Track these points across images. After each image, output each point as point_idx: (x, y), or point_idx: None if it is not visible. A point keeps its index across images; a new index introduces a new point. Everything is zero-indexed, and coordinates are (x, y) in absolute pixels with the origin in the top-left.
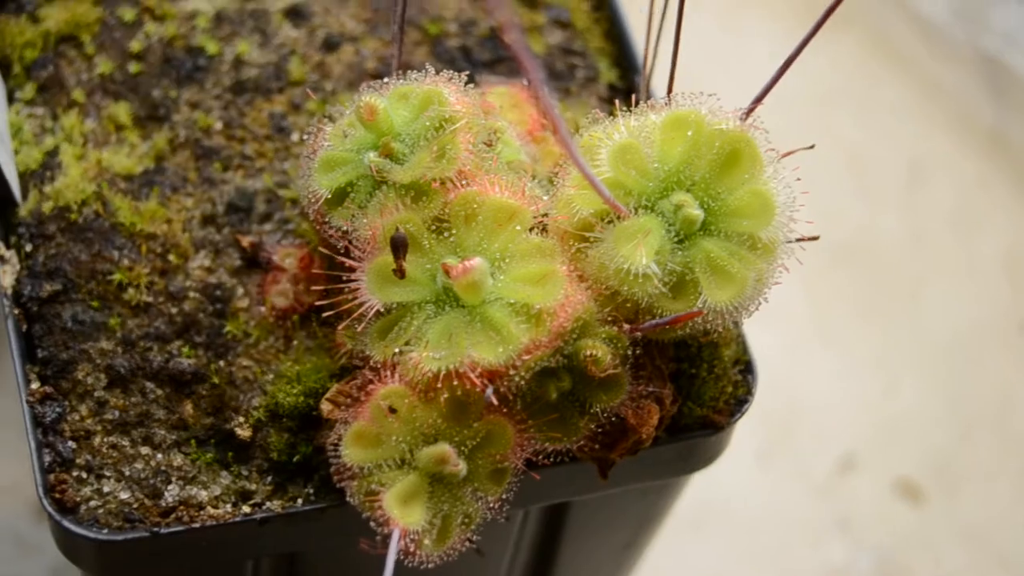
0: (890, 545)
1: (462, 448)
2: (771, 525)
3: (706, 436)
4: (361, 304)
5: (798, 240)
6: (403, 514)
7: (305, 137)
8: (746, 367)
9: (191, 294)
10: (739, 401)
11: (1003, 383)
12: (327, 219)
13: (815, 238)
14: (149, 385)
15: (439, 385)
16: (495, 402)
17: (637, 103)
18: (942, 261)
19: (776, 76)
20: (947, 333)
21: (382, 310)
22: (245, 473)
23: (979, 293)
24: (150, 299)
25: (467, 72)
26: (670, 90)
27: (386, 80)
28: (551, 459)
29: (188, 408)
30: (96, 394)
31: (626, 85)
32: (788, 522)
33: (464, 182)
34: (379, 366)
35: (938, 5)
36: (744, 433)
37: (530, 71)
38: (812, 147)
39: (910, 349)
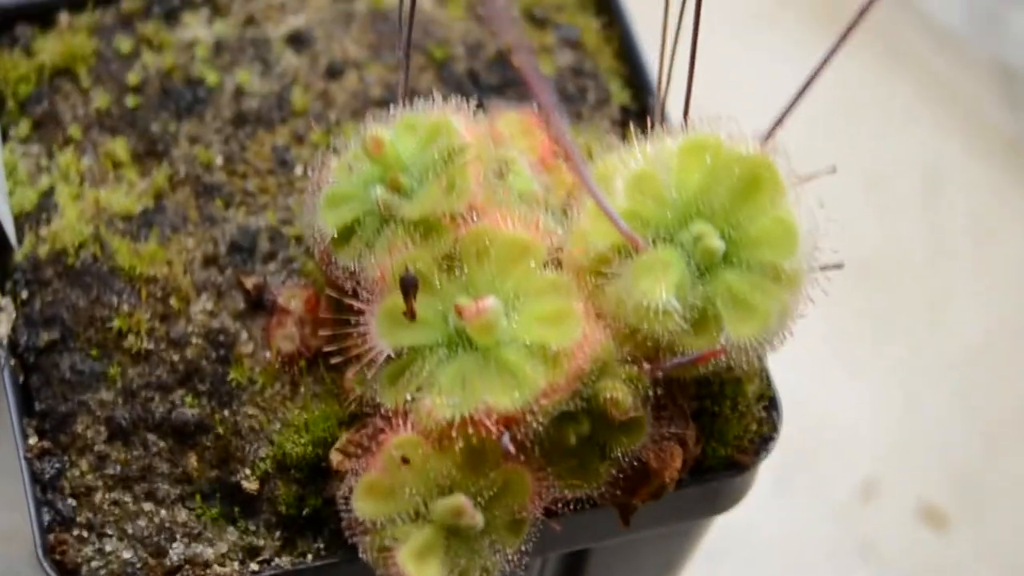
0: (915, 572)
1: (479, 499)
2: (792, 553)
3: (731, 477)
4: (370, 348)
5: (822, 268)
6: (419, 571)
7: (309, 171)
8: (770, 403)
9: (193, 340)
10: (764, 439)
11: None
12: (333, 258)
13: (839, 266)
14: (151, 437)
15: (453, 433)
16: (512, 450)
17: (652, 127)
18: (961, 274)
19: (795, 98)
20: (968, 348)
21: (392, 354)
22: (252, 528)
23: (1000, 305)
24: (151, 346)
25: (475, 97)
26: (686, 113)
27: (392, 109)
28: (570, 506)
29: (192, 460)
30: (96, 448)
31: (639, 106)
32: (809, 550)
33: (475, 216)
34: (390, 413)
35: (953, 13)
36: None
37: (541, 96)
38: (833, 170)
39: (931, 367)
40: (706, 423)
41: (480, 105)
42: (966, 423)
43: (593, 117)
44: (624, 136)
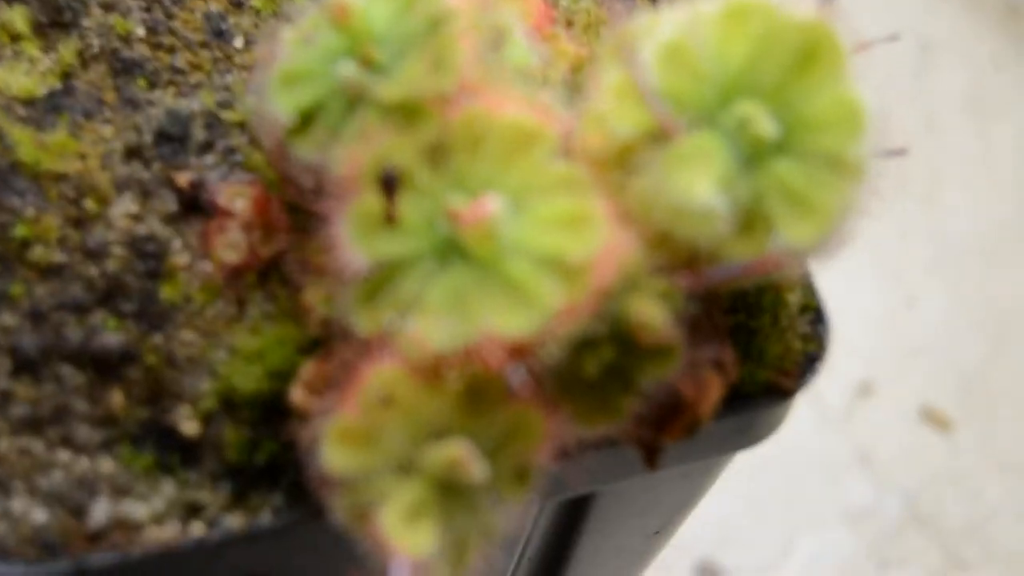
0: (918, 481)
1: (480, 445)
2: (786, 463)
3: (771, 405)
4: (339, 259)
5: (885, 154)
6: (409, 536)
7: (251, 44)
8: (816, 315)
9: (115, 250)
10: (809, 359)
11: None
12: (289, 150)
13: (903, 151)
14: (66, 369)
15: (449, 366)
16: (521, 384)
17: None
18: (958, 152)
19: None
20: (968, 233)
21: (367, 267)
22: (194, 479)
23: (999, 185)
24: (63, 258)
25: None
26: None
27: None
28: (583, 446)
29: (117, 397)
30: None
31: None
32: (805, 459)
33: (467, 97)
34: (366, 341)
35: None
36: None
37: None
38: (896, 38)
39: (928, 254)
40: (741, 340)
41: None
42: (965, 318)
43: None
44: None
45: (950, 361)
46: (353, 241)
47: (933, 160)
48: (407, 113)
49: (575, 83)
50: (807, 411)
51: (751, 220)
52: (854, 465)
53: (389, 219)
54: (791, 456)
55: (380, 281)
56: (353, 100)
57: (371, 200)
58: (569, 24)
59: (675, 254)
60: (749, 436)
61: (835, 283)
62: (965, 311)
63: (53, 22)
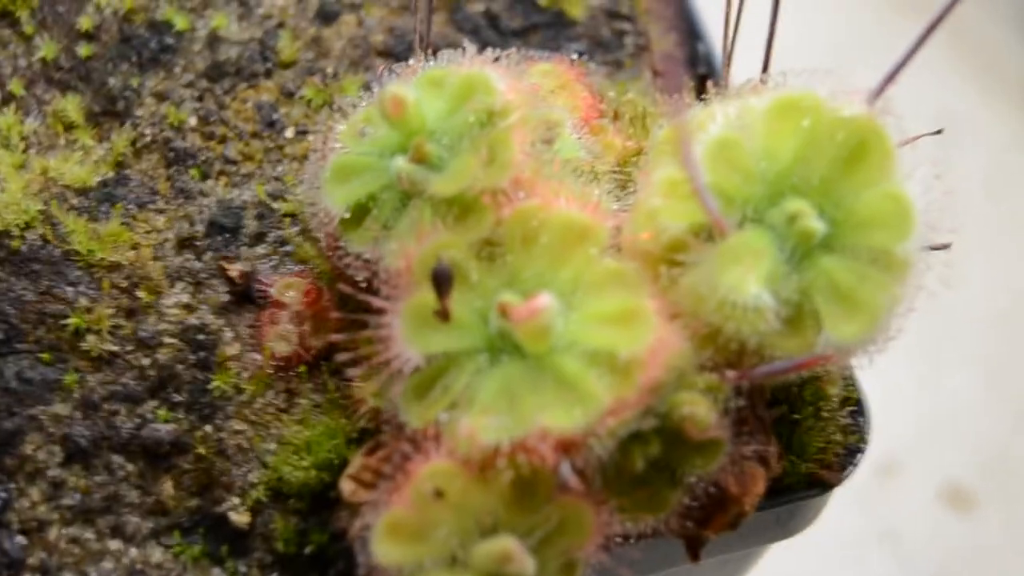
0: (941, 559)
1: (528, 540)
2: (809, 543)
3: (811, 497)
4: (393, 355)
5: (932, 249)
6: None
7: (302, 134)
8: (856, 407)
9: (167, 340)
10: (850, 451)
11: None
12: (342, 243)
13: (946, 246)
14: (117, 459)
15: (500, 461)
16: (571, 481)
17: (717, 82)
18: (978, 230)
19: (912, 48)
20: (989, 312)
21: (420, 362)
22: (243, 570)
23: (1021, 261)
24: (115, 348)
25: (495, 44)
26: (766, 66)
27: (410, 62)
28: (628, 539)
29: (168, 487)
30: (51, 473)
31: (686, 54)
32: (826, 537)
33: (521, 193)
34: (417, 435)
35: None
36: None
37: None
38: (940, 132)
39: (950, 332)
40: (784, 433)
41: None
42: (990, 395)
43: (634, 66)
44: (666, 90)
45: (973, 438)
46: (406, 335)
47: (956, 236)
48: (460, 208)
49: (623, 176)
50: None
51: (799, 316)
52: (877, 544)
53: (442, 315)
54: (814, 536)
55: (432, 376)
56: (407, 194)
57: (425, 295)
58: (616, 116)
59: (722, 350)
60: (790, 527)
61: (856, 360)
62: (987, 388)
63: (106, 111)
